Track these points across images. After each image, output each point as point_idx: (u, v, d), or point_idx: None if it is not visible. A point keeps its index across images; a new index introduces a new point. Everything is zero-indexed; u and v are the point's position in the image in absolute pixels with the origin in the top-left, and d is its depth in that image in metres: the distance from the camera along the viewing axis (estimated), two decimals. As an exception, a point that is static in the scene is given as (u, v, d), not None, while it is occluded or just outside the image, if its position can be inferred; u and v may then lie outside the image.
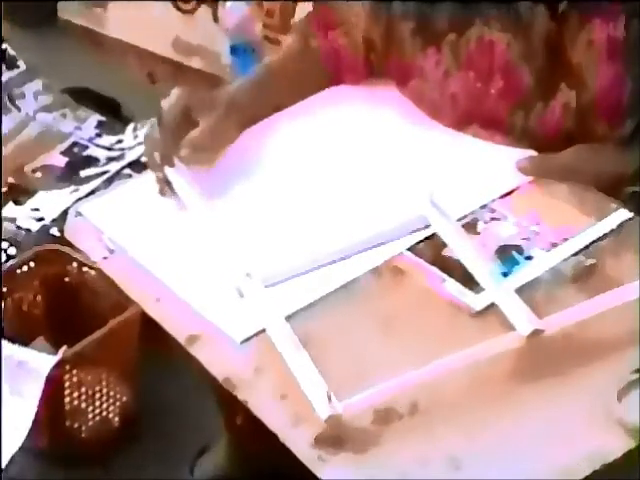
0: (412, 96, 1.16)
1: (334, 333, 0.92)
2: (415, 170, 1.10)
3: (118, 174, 1.71)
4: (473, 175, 1.08)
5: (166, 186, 1.06)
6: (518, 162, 1.05)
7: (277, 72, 1.19)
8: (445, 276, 0.95)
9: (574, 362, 0.87)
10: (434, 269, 0.96)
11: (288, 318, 0.91)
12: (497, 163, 1.09)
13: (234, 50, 2.10)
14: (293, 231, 1.03)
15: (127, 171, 1.72)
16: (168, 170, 1.06)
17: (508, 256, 0.97)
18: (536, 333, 0.87)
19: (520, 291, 0.93)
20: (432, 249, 0.98)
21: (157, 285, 0.98)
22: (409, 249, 0.99)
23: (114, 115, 1.90)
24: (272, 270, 0.96)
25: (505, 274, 0.95)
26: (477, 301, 0.92)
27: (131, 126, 1.75)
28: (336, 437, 0.81)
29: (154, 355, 1.39)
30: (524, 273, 0.95)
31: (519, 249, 0.98)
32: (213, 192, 1.07)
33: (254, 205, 1.07)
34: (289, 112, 1.17)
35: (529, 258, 0.97)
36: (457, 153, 1.12)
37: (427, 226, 0.99)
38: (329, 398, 0.82)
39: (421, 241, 0.99)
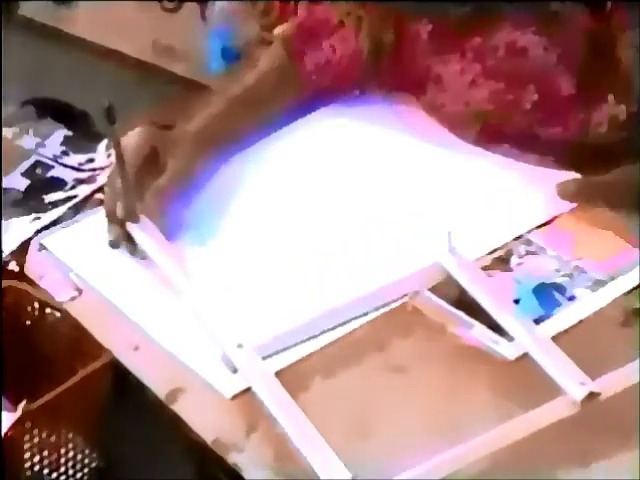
0: (429, 110, 1.16)
1: (337, 388, 0.91)
2: (435, 200, 1.10)
3: (88, 200, 1.70)
4: (505, 202, 1.08)
5: (126, 242, 1.04)
6: (558, 186, 1.05)
7: (257, 95, 1.18)
8: (472, 321, 0.95)
9: (629, 426, 0.85)
10: (459, 313, 0.96)
11: (281, 372, 0.91)
12: (533, 187, 1.09)
13: (225, 54, 2.11)
14: (288, 285, 1.02)
15: (99, 196, 1.72)
16: (130, 226, 1.04)
17: (547, 296, 0.97)
18: (591, 397, 0.86)
19: (560, 337, 0.92)
20: (456, 289, 0.98)
21: (134, 331, 0.99)
22: (430, 290, 0.99)
23: (85, 130, 1.90)
24: (267, 337, 0.94)
25: (544, 317, 0.95)
26: (512, 349, 0.92)
27: (104, 143, 1.74)
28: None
29: (128, 411, 1.39)
30: (566, 316, 0.95)
31: (560, 288, 0.98)
32: (186, 243, 1.07)
33: (238, 255, 1.06)
34: (275, 138, 1.17)
35: (572, 298, 0.97)
36: (485, 176, 1.12)
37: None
38: None
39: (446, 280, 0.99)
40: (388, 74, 1.19)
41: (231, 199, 1.12)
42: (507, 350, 0.92)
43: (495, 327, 0.94)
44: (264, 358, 0.92)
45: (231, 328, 0.95)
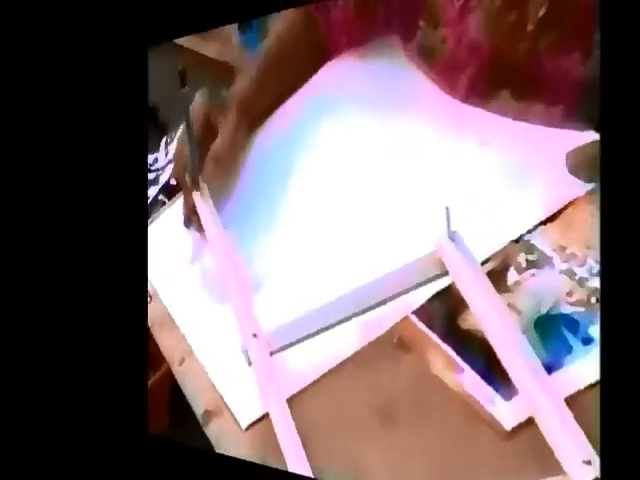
0: (418, 58, 1.09)
1: (324, 426, 0.88)
2: (421, 177, 0.98)
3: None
4: (496, 186, 0.90)
5: (193, 215, 1.13)
6: (569, 155, 0.85)
7: (277, 52, 1.23)
8: (462, 363, 0.81)
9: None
10: (447, 349, 0.82)
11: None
12: (536, 160, 0.89)
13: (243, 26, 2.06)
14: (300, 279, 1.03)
15: (160, 197, 1.75)
16: (195, 195, 1.12)
17: (554, 335, 0.78)
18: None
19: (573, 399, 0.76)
20: (446, 312, 0.85)
21: (182, 343, 1.08)
22: (416, 312, 0.87)
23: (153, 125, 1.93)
24: (277, 330, 0.96)
25: (550, 367, 0.77)
26: (510, 414, 0.77)
27: (164, 140, 1.77)
28: None
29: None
30: (578, 369, 0.76)
31: (571, 322, 0.78)
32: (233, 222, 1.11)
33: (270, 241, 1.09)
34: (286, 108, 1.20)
35: (588, 341, 0.76)
36: (469, 154, 0.95)
37: (443, 273, 0.85)
38: None
39: (435, 297, 0.87)
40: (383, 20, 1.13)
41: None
42: (504, 415, 0.78)
43: (493, 374, 0.81)
44: (272, 353, 0.93)
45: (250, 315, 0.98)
